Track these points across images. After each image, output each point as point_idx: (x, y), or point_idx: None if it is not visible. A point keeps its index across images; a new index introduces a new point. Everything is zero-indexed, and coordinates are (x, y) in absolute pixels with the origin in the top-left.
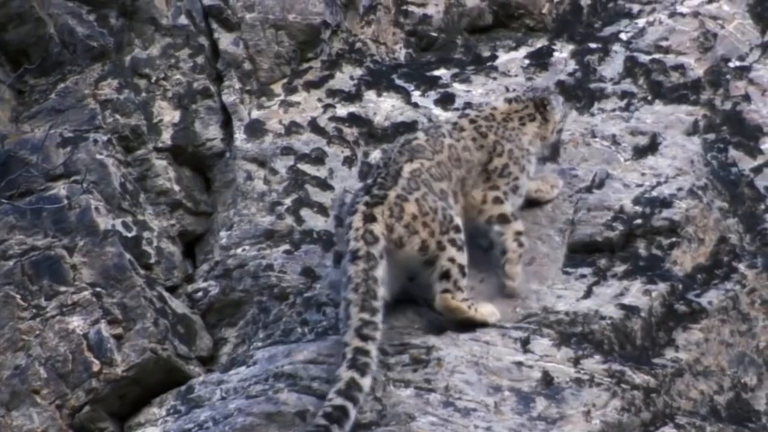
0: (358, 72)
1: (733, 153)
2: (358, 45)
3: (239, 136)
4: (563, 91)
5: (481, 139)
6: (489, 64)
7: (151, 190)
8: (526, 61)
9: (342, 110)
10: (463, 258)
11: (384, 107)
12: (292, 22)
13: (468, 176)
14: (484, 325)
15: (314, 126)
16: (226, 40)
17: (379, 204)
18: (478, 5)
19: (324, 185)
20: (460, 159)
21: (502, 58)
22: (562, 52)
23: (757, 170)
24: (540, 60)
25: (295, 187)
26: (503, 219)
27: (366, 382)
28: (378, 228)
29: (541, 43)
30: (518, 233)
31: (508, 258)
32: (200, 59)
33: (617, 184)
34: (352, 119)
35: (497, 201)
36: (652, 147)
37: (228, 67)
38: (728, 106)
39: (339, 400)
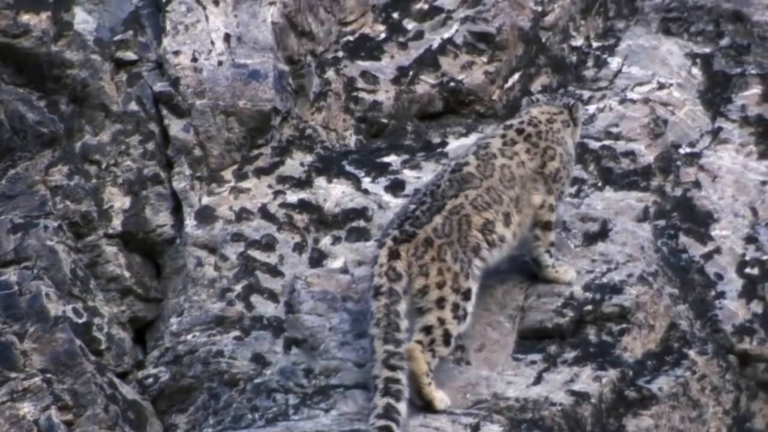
0: (309, 158)
1: (683, 239)
2: (309, 131)
3: (190, 223)
4: None
5: (534, 148)
6: (439, 150)
7: (101, 276)
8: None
9: (292, 196)
10: (455, 329)
11: (334, 193)
12: (242, 109)
13: (523, 192)
14: (429, 405)
15: (264, 212)
16: (176, 127)
17: (406, 242)
18: (429, 92)
19: (274, 272)
20: (514, 178)
21: (453, 144)
22: None
23: (708, 256)
24: None
25: (245, 273)
26: (547, 226)
27: (402, 408)
28: (401, 265)
29: (491, 129)
30: (551, 244)
31: (543, 271)
32: (150, 145)
33: None
34: (303, 205)
35: (551, 209)
36: (602, 233)
37: (178, 153)
38: (679, 192)
39: (382, 422)
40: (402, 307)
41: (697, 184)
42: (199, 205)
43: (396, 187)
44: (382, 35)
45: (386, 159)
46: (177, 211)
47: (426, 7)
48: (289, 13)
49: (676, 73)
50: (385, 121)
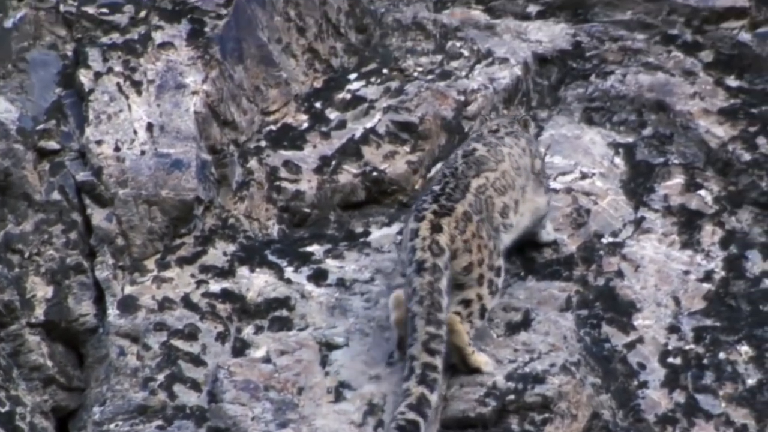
0: (231, 248)
1: (606, 329)
2: (231, 221)
3: (112, 312)
4: None
5: (519, 143)
6: (362, 240)
7: (24, 365)
8: (399, 237)
9: (215, 286)
10: (489, 303)
11: (257, 283)
12: (165, 198)
13: (527, 183)
14: (477, 371)
15: (187, 302)
16: (99, 216)
17: (447, 215)
18: (351, 181)
19: (197, 361)
20: (519, 167)
21: (375, 234)
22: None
23: (630, 346)
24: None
25: (168, 362)
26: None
27: (434, 399)
28: (444, 239)
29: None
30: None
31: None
32: (73, 235)
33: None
34: (225, 295)
35: (548, 204)
36: (524, 323)
37: (101, 242)
38: (601, 282)
39: (412, 415)
40: (443, 283)
41: (619, 274)
42: (121, 294)
43: (319, 277)
44: (305, 125)
45: (309, 248)
46: (100, 301)
47: (348, 96)
48: (212, 103)
49: (599, 162)
50: (307, 210)
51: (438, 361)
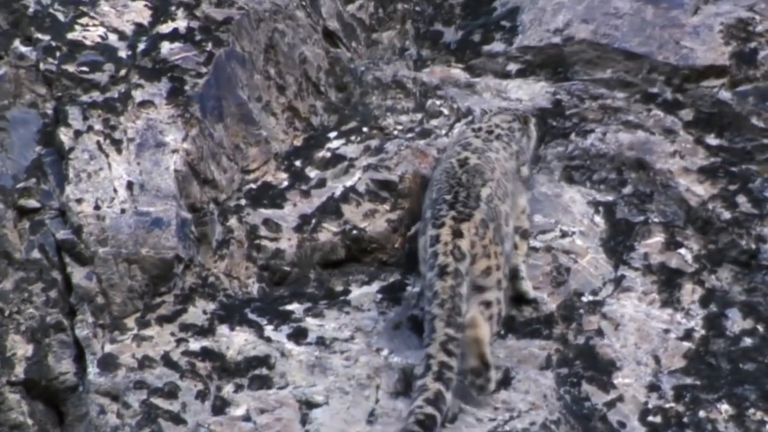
0: (211, 306)
1: (586, 387)
2: (211, 279)
3: (92, 370)
4: (415, 324)
5: (509, 148)
6: (342, 298)
7: (4, 423)
8: (379, 296)
9: (195, 344)
10: (503, 310)
11: (237, 341)
12: (145, 256)
13: (514, 188)
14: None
15: (167, 360)
16: (79, 274)
17: (466, 221)
18: (331, 240)
19: (177, 419)
20: (507, 173)
21: (355, 292)
22: (415, 286)
23: (610, 404)
24: (393, 294)
25: (148, 421)
26: (524, 235)
27: (449, 397)
28: (465, 243)
29: (393, 277)
30: (527, 254)
31: (519, 283)
32: (53, 293)
33: (470, 418)
34: (205, 353)
35: (528, 217)
36: (504, 381)
37: (81, 301)
38: (581, 340)
39: (429, 409)
40: (464, 289)
41: (599, 332)
42: (101, 352)
43: (299, 335)
44: (285, 183)
45: (289, 307)
46: (80, 359)
47: (328, 155)
48: (192, 161)
49: (579, 220)
50: (287, 268)
51: (454, 363)
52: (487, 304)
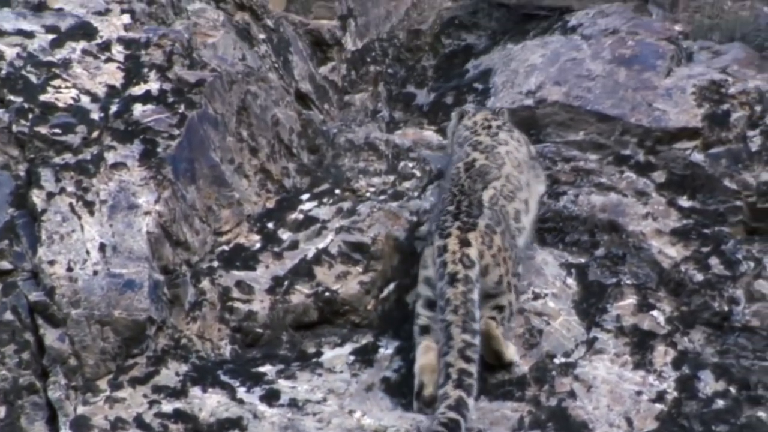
0: (184, 368)
1: None
2: (184, 341)
3: None
4: (388, 386)
5: (513, 134)
6: (314, 360)
7: None
8: (352, 358)
9: (167, 406)
10: (516, 305)
11: (209, 403)
12: (117, 318)
13: (528, 176)
14: (510, 364)
15: (140, 422)
16: (51, 336)
17: (471, 230)
18: (303, 302)
19: None
20: (520, 164)
21: (328, 354)
22: (388, 348)
23: None
24: (365, 356)
25: None
26: None
27: (471, 403)
28: (473, 253)
29: (366, 339)
30: None
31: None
32: (26, 355)
33: None
34: (178, 415)
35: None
36: None
37: (54, 362)
38: (554, 402)
39: (452, 414)
40: (475, 295)
41: (572, 394)
42: (74, 414)
43: (271, 397)
44: (257, 245)
45: (261, 368)
46: (53, 421)
47: (301, 217)
48: (165, 223)
49: (552, 283)
50: (260, 330)
51: (473, 369)
52: (500, 309)
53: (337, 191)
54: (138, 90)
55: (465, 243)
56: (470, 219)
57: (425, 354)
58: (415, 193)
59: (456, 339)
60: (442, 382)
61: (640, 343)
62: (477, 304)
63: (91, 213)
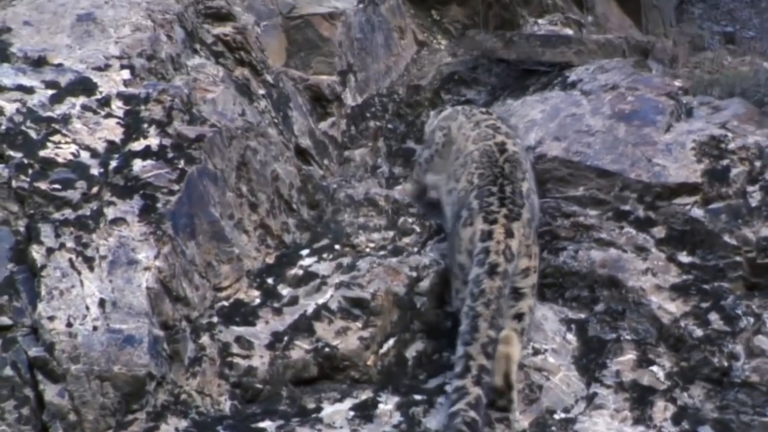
0: (183, 423)
1: None
2: (183, 396)
3: None
4: None
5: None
6: (314, 416)
7: None
8: (351, 413)
9: None
10: (531, 315)
11: None
12: (117, 374)
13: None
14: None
15: None
16: (51, 392)
17: (516, 220)
18: (303, 357)
19: None
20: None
21: (327, 410)
22: (387, 403)
23: None
24: (365, 411)
25: None
26: None
27: (483, 401)
28: (515, 244)
29: (366, 394)
30: None
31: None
32: (26, 410)
33: None
34: None
35: None
36: None
37: (53, 418)
38: None
39: (472, 414)
40: (507, 291)
41: None
42: None
43: None
44: (257, 300)
45: (261, 424)
46: None
47: (301, 272)
48: (164, 279)
49: (551, 338)
50: (259, 386)
51: (490, 366)
52: (520, 317)
53: (337, 247)
54: (138, 145)
55: (509, 234)
56: (516, 208)
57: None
58: (415, 249)
59: (482, 333)
60: (460, 372)
61: (640, 398)
62: (506, 299)
63: (91, 268)
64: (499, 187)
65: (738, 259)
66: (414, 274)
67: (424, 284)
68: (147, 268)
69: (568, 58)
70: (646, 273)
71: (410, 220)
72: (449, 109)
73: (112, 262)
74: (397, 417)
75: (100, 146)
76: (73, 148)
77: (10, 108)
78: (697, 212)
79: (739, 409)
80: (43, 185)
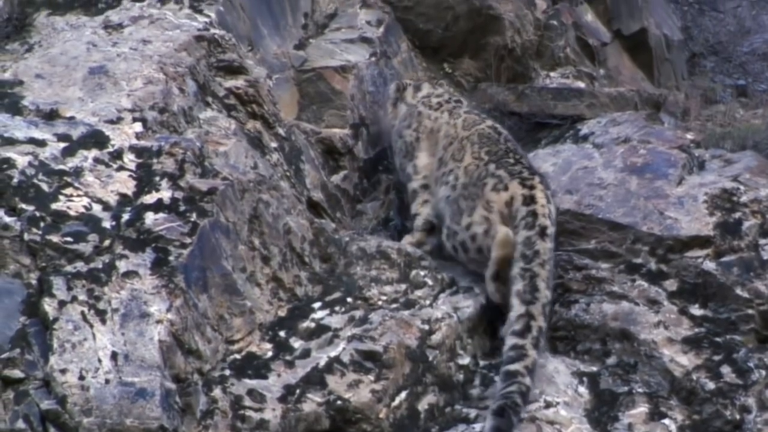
0: None
1: None
2: None
3: None
4: None
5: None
6: None
7: None
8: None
9: None
10: None
11: None
12: (129, 427)
13: None
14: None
15: None
16: None
17: (547, 188)
18: (315, 410)
19: None
20: None
21: None
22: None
23: None
24: None
25: None
26: None
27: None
28: (554, 210)
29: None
30: None
31: None
32: None
33: None
34: None
35: None
36: None
37: None
38: None
39: (528, 380)
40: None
41: None
42: None
43: None
44: (269, 353)
45: None
46: None
47: (313, 325)
48: (176, 332)
49: (563, 391)
50: None
51: (545, 328)
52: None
53: (349, 300)
54: (150, 198)
55: (548, 200)
56: (541, 177)
57: (503, 247)
58: (427, 302)
59: (542, 292)
60: (521, 329)
61: None
62: None
63: (103, 321)
64: (515, 159)
65: (750, 311)
66: (426, 327)
67: (437, 337)
68: (159, 321)
69: (580, 111)
70: (658, 326)
71: (422, 272)
72: (404, 108)
73: (125, 315)
74: None
75: (113, 199)
76: (86, 201)
77: (22, 161)
78: (709, 265)
79: None
80: (55, 238)
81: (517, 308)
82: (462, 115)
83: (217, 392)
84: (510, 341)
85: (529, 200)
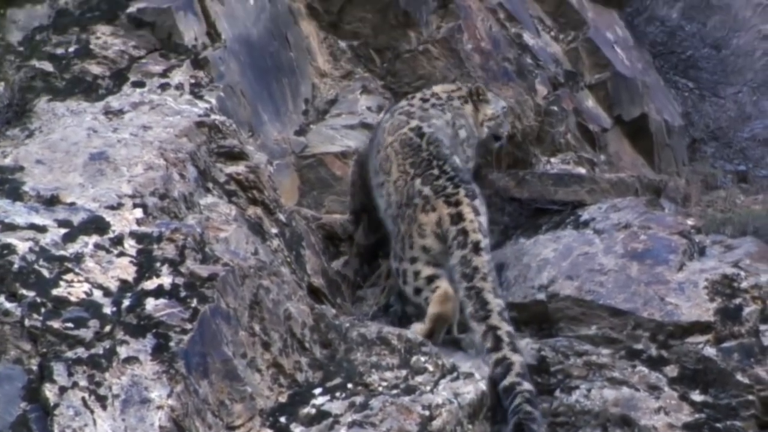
0: None
1: None
2: None
3: None
4: None
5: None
6: None
7: None
8: None
9: None
10: None
11: None
12: None
13: None
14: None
15: None
16: None
17: (475, 198)
18: None
19: None
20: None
21: None
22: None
23: None
24: None
25: None
26: None
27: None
28: (485, 221)
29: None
30: None
31: None
32: None
33: None
34: None
35: None
36: None
37: None
38: None
39: (527, 385)
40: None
41: None
42: None
43: None
44: None
45: None
46: None
47: (313, 411)
48: (177, 417)
49: None
50: None
51: (510, 324)
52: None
53: (350, 385)
54: (150, 284)
55: (476, 212)
56: (468, 185)
57: (443, 303)
58: (428, 388)
59: (492, 302)
60: (492, 345)
61: None
62: None
63: (104, 407)
64: (438, 170)
65: (750, 397)
66: (427, 413)
67: (437, 423)
68: (160, 407)
69: (580, 197)
70: (658, 411)
71: (423, 359)
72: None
73: (125, 400)
74: None
75: (113, 285)
76: (86, 286)
77: (22, 247)
78: (710, 351)
79: None
80: (55, 324)
81: (477, 329)
82: (394, 115)
83: None
84: (491, 358)
85: (457, 219)
